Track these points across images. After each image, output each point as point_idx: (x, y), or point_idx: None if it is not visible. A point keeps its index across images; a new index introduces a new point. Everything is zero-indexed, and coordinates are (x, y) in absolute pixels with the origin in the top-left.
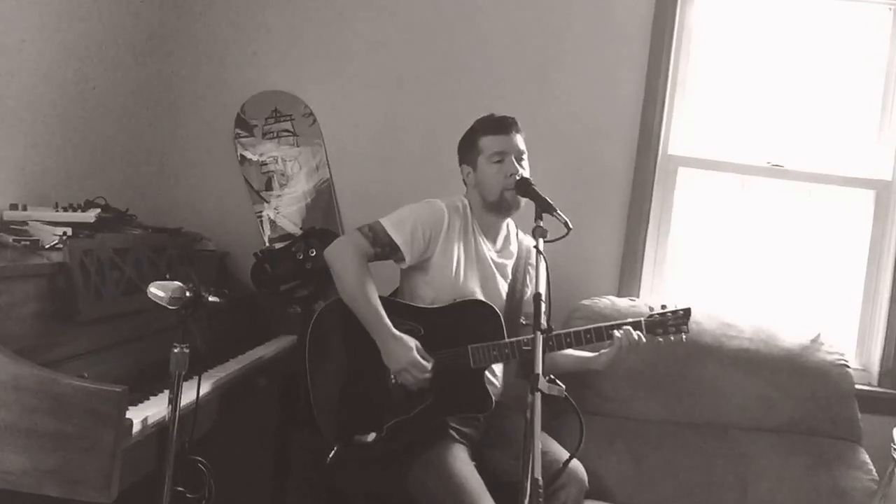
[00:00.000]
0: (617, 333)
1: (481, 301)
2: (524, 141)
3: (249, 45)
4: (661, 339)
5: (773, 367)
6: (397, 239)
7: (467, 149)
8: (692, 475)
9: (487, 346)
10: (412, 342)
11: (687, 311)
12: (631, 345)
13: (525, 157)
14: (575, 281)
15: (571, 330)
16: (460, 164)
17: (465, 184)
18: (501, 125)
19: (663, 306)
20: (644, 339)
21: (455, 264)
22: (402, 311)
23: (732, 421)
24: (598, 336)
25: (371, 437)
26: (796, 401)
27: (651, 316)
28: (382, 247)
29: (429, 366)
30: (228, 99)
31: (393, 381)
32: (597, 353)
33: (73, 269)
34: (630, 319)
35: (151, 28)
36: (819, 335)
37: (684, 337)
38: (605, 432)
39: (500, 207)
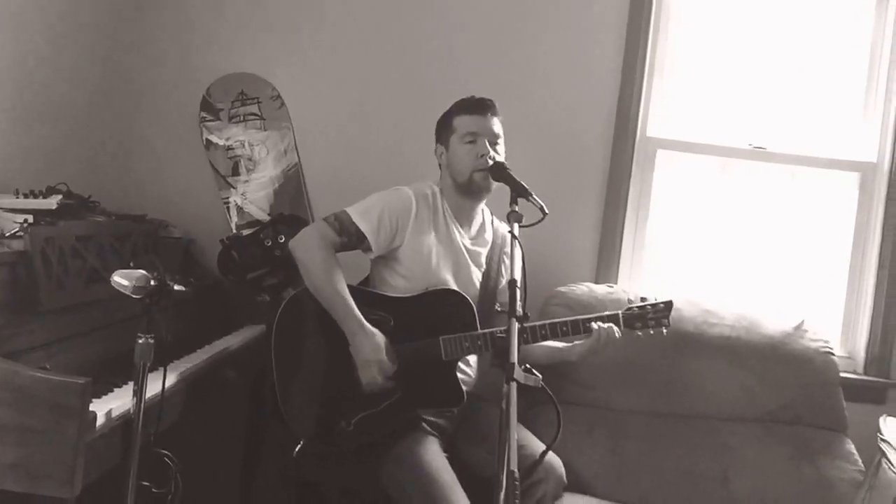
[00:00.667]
0: (595, 326)
1: (453, 290)
2: (501, 126)
3: (215, 26)
4: (639, 333)
5: (755, 356)
6: (363, 227)
7: (442, 128)
8: (673, 467)
9: (459, 337)
10: (382, 340)
11: (668, 304)
12: (609, 338)
13: (501, 141)
14: (551, 267)
15: (546, 322)
16: (435, 144)
17: (440, 166)
18: (478, 106)
19: (643, 298)
20: (620, 335)
21: (426, 252)
22: (371, 300)
23: (714, 411)
24: (574, 329)
25: (338, 431)
26: (779, 390)
27: (629, 309)
28: (349, 236)
29: (393, 369)
30: (194, 82)
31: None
32: (571, 344)
33: (34, 258)
34: (607, 313)
35: (115, 9)
36: (803, 322)
37: (664, 330)
38: (584, 423)
39: (469, 190)
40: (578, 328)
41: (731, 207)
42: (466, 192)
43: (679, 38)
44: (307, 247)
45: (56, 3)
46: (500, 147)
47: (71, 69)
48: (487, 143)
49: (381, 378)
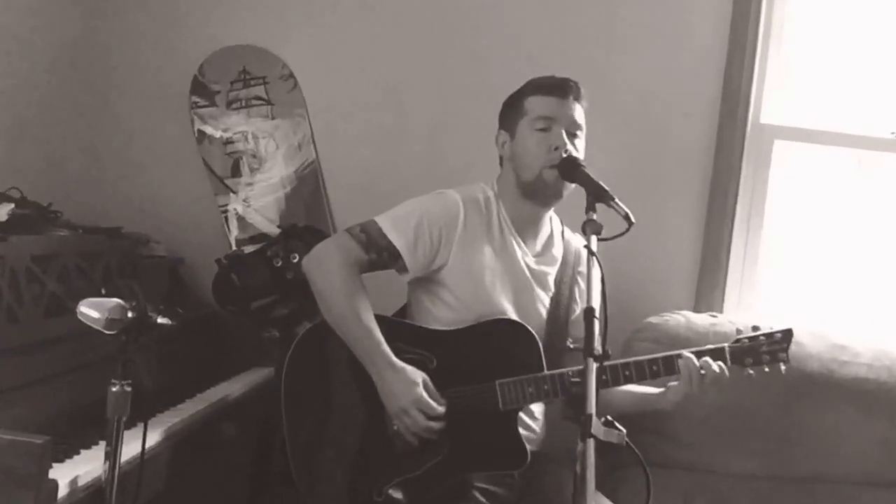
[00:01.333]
0: (682, 363)
1: (513, 321)
2: (584, 115)
3: None
4: (751, 371)
5: None
6: (397, 242)
7: (510, 110)
8: None
9: (521, 380)
10: (419, 375)
11: (787, 334)
12: (708, 378)
13: (581, 133)
14: (639, 292)
15: (631, 360)
16: (498, 131)
17: (501, 161)
18: (558, 86)
19: (755, 327)
20: (727, 372)
21: (477, 273)
22: (407, 334)
23: (845, 474)
24: (667, 368)
25: (366, 502)
26: None
27: (738, 340)
28: (378, 252)
29: (440, 409)
30: (183, 57)
31: (395, 427)
32: (663, 389)
33: None
34: (709, 346)
35: None
36: None
37: (783, 367)
38: (680, 490)
39: (536, 191)
40: (672, 366)
41: (869, 213)
42: (532, 194)
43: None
44: (325, 266)
45: None
46: (580, 142)
47: (28, 43)
48: (565, 134)
49: (424, 422)
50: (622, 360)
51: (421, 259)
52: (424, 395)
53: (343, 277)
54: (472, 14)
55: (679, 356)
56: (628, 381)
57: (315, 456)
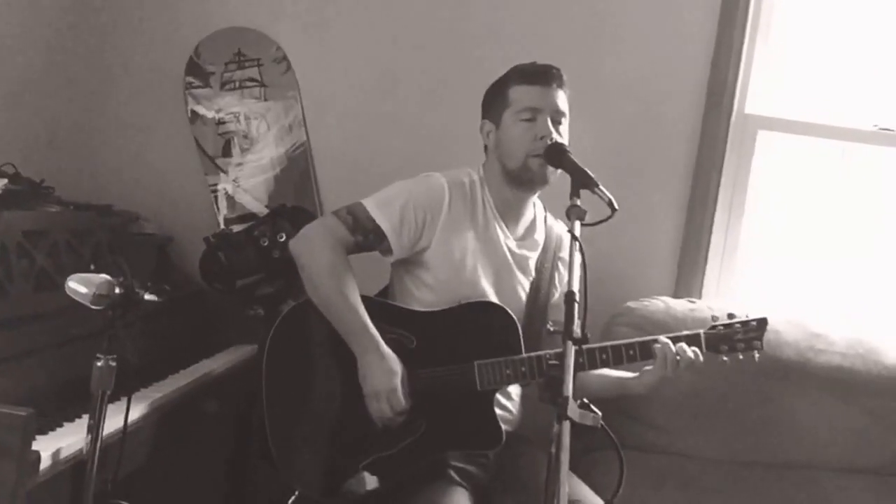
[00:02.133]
0: (658, 347)
1: (492, 303)
2: (567, 101)
3: None
4: (725, 358)
5: (872, 391)
6: (383, 224)
7: (493, 99)
8: None
9: (499, 362)
10: (399, 367)
11: (762, 322)
12: (683, 363)
13: (565, 120)
14: (619, 277)
15: (609, 344)
16: (482, 120)
17: (486, 149)
18: (541, 75)
19: (730, 315)
20: (702, 358)
21: (459, 257)
22: (389, 315)
23: (817, 460)
24: (643, 352)
25: (342, 479)
26: None
27: (714, 327)
28: (365, 234)
29: (406, 407)
30: (179, 38)
31: None
32: (637, 373)
33: None
34: (685, 332)
35: None
36: None
37: (756, 355)
38: (652, 474)
39: (521, 179)
40: (648, 351)
41: (850, 204)
42: (517, 181)
43: None
44: (312, 247)
45: None
46: (564, 128)
47: (22, 20)
48: (549, 122)
49: (390, 413)
50: (600, 344)
51: (405, 241)
52: (399, 387)
53: (330, 258)
54: (464, 1)
55: (655, 341)
56: (605, 364)
57: (292, 432)
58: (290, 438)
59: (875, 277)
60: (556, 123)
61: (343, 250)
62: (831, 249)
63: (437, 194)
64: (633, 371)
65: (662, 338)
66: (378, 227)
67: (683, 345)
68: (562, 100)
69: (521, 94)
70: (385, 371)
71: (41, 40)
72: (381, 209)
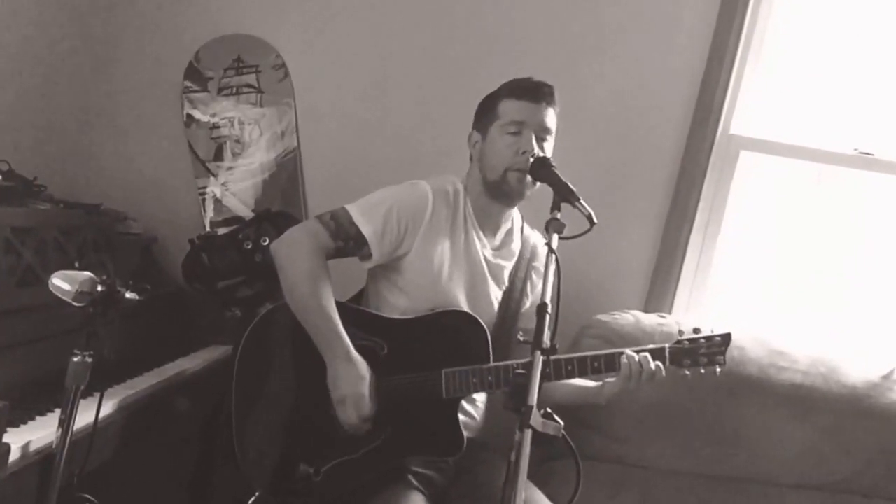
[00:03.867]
0: (624, 360)
1: (464, 313)
2: (555, 119)
3: None
4: (687, 372)
5: (829, 409)
6: (365, 230)
7: (484, 111)
8: None
9: (466, 370)
10: (367, 373)
11: (725, 338)
12: (645, 375)
13: (550, 138)
14: (592, 290)
15: (574, 355)
16: (472, 130)
17: (471, 158)
18: (532, 91)
19: (696, 329)
20: (664, 372)
21: (437, 265)
22: (363, 322)
23: (772, 475)
24: (608, 365)
25: (302, 480)
26: (856, 453)
27: (679, 342)
28: (346, 240)
29: (370, 413)
30: (180, 42)
31: None
32: (600, 384)
33: None
34: (650, 346)
35: None
36: (893, 371)
37: (718, 370)
38: (608, 483)
39: (498, 191)
40: (612, 364)
41: (825, 226)
42: (495, 193)
43: (781, 20)
44: (292, 251)
45: None
46: (549, 145)
47: (22, 21)
48: (534, 138)
49: (356, 419)
50: (566, 356)
51: (386, 248)
52: (366, 394)
53: (309, 263)
54: (455, 16)
55: (621, 354)
56: (570, 375)
57: (258, 433)
58: (255, 439)
59: (845, 297)
60: (541, 140)
61: (323, 255)
62: (806, 269)
63: (420, 202)
64: (597, 382)
65: (628, 351)
66: (360, 234)
67: (648, 357)
68: (550, 117)
69: (509, 108)
70: (354, 377)
71: (42, 42)
72: (364, 215)
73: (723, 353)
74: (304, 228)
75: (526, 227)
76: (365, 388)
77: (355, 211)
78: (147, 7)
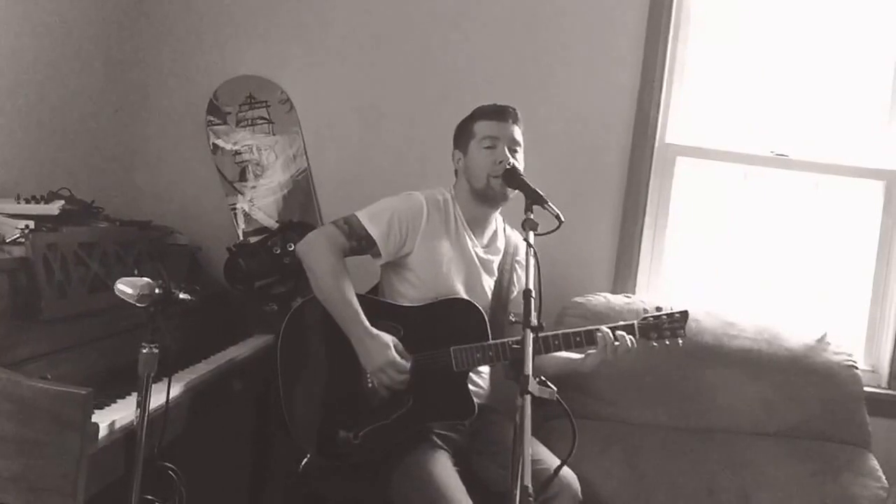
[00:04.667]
0: (599, 335)
1: (464, 300)
2: (522, 134)
3: (223, 28)
4: (654, 344)
5: (777, 369)
6: (373, 232)
7: (462, 133)
8: (691, 483)
9: (470, 347)
10: (390, 339)
11: (684, 314)
12: (620, 348)
13: (520, 149)
14: (567, 277)
15: (560, 332)
16: (453, 150)
17: (456, 173)
18: (499, 112)
19: (658, 308)
20: (636, 344)
21: (437, 260)
22: (379, 309)
23: (734, 426)
24: (588, 339)
25: (344, 444)
26: (801, 404)
27: (645, 318)
28: (358, 240)
29: (407, 365)
30: (200, 84)
31: (370, 384)
32: (583, 356)
33: (35, 265)
34: (622, 323)
35: (120, 10)
36: (825, 335)
37: (680, 341)
38: (600, 438)
39: (485, 196)
40: (592, 338)
41: (753, 217)
42: (482, 198)
43: (699, 42)
44: (315, 251)
45: (58, 9)
46: (520, 155)
47: (74, 71)
48: (507, 150)
49: (398, 377)
50: (553, 332)
51: (392, 247)
52: (395, 356)
53: (330, 260)
54: (434, 53)
55: (598, 330)
56: (557, 349)
57: (304, 406)
58: (301, 411)
59: (776, 276)
60: (513, 151)
61: (341, 254)
62: (740, 254)
63: (417, 209)
64: (581, 354)
65: (603, 327)
66: (369, 235)
67: (621, 333)
68: (517, 132)
69: (483, 128)
70: (379, 347)
71: (92, 91)
72: (371, 220)
73: (683, 327)
74: (323, 232)
75: (507, 227)
76: (393, 352)
77: (364, 217)
78: (170, 55)
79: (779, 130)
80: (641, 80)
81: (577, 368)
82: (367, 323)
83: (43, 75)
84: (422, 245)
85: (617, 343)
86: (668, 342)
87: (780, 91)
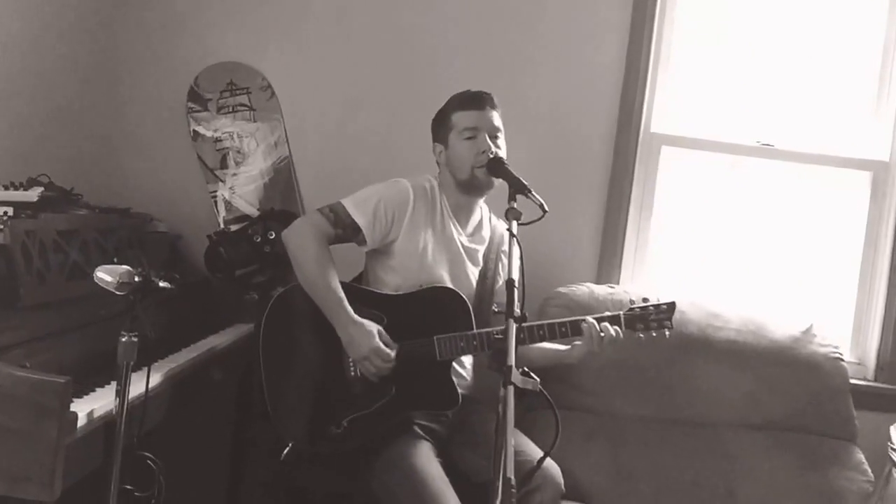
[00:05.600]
0: (584, 326)
1: (449, 288)
2: (500, 118)
3: (204, 13)
4: (641, 335)
5: (762, 361)
6: (359, 220)
7: (440, 126)
8: (676, 475)
9: (454, 336)
10: (374, 327)
11: (671, 306)
12: (606, 339)
13: (501, 135)
14: (551, 267)
15: (545, 322)
16: (433, 143)
17: (438, 164)
18: (475, 100)
19: (645, 299)
20: (622, 335)
21: (421, 248)
22: (363, 297)
23: (719, 418)
24: (573, 329)
25: (327, 433)
26: (787, 396)
27: (631, 309)
28: (344, 228)
29: (392, 353)
30: (181, 71)
31: (353, 373)
32: (569, 346)
33: (14, 252)
34: (608, 313)
35: None
36: (811, 326)
37: (667, 333)
38: (583, 429)
39: (471, 186)
40: (578, 329)
41: (738, 207)
42: (468, 188)
43: (685, 30)
44: (300, 238)
45: None
46: (501, 141)
47: (52, 56)
48: (488, 138)
49: (383, 364)
50: (537, 322)
51: (377, 234)
52: (380, 343)
53: (315, 248)
54: (416, 39)
55: (583, 321)
56: (542, 339)
57: (286, 395)
58: (284, 401)
59: (761, 266)
60: (494, 138)
61: (326, 241)
62: (725, 243)
63: (403, 196)
64: (566, 345)
65: (589, 318)
66: (355, 223)
67: (606, 324)
68: (496, 118)
69: (461, 119)
70: (364, 335)
71: (71, 75)
72: (357, 207)
73: (670, 319)
74: (308, 219)
75: (493, 217)
76: (377, 340)
77: (349, 204)
78: (150, 41)
79: (765, 120)
80: (626, 66)
81: (563, 359)
82: (351, 311)
83: (20, 61)
84: (407, 232)
85: (602, 334)
86: (654, 333)
87: (767, 80)
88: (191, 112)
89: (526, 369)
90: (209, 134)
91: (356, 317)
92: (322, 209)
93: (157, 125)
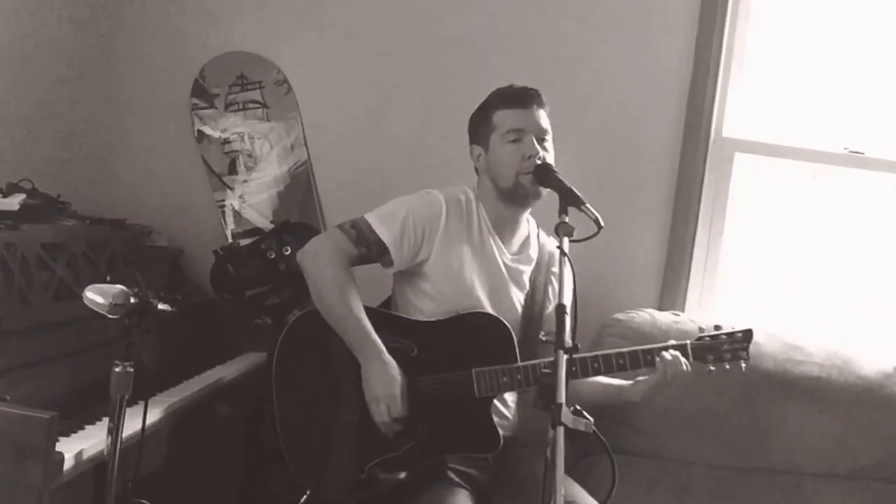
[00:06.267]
0: (660, 359)
1: (489, 314)
2: (548, 119)
3: None
4: (712, 368)
5: (848, 400)
6: (385, 237)
7: (479, 125)
8: None
9: (496, 370)
10: (400, 376)
11: (747, 334)
12: (677, 373)
13: (549, 137)
14: (607, 291)
15: (600, 353)
16: (471, 146)
17: (477, 170)
18: (521, 97)
19: (717, 326)
20: (690, 368)
21: (457, 268)
22: (391, 324)
23: (798, 465)
24: (633, 362)
25: (349, 479)
26: (877, 442)
27: (700, 338)
28: (368, 247)
29: (404, 413)
30: (184, 62)
31: None
32: (632, 382)
33: None
34: (673, 342)
35: None
36: None
37: (743, 365)
38: (643, 477)
39: (515, 196)
40: (638, 361)
41: (822, 222)
42: (511, 198)
43: (761, 22)
44: (318, 259)
45: None
46: (549, 144)
47: (40, 47)
48: (535, 141)
49: (388, 418)
50: (591, 354)
51: (406, 253)
52: (398, 395)
53: (335, 270)
54: (453, 29)
55: (645, 351)
56: (597, 373)
57: (304, 435)
58: (302, 441)
59: (849, 291)
60: (541, 141)
61: (347, 262)
62: (806, 264)
63: (435, 210)
64: (626, 380)
65: (665, 353)
66: (380, 240)
67: (675, 353)
68: (543, 119)
69: (504, 118)
70: (387, 378)
71: (57, 64)
72: (382, 223)
73: (745, 349)
74: (328, 237)
75: (542, 233)
76: (397, 388)
77: (374, 219)
78: (150, 28)
79: (853, 124)
80: (694, 63)
81: (624, 396)
82: (380, 344)
83: (5, 52)
84: (440, 251)
85: (684, 367)
86: (728, 366)
87: (855, 79)
88: (195, 109)
89: (577, 408)
90: (216, 134)
91: (386, 354)
92: (342, 225)
93: (156, 124)
